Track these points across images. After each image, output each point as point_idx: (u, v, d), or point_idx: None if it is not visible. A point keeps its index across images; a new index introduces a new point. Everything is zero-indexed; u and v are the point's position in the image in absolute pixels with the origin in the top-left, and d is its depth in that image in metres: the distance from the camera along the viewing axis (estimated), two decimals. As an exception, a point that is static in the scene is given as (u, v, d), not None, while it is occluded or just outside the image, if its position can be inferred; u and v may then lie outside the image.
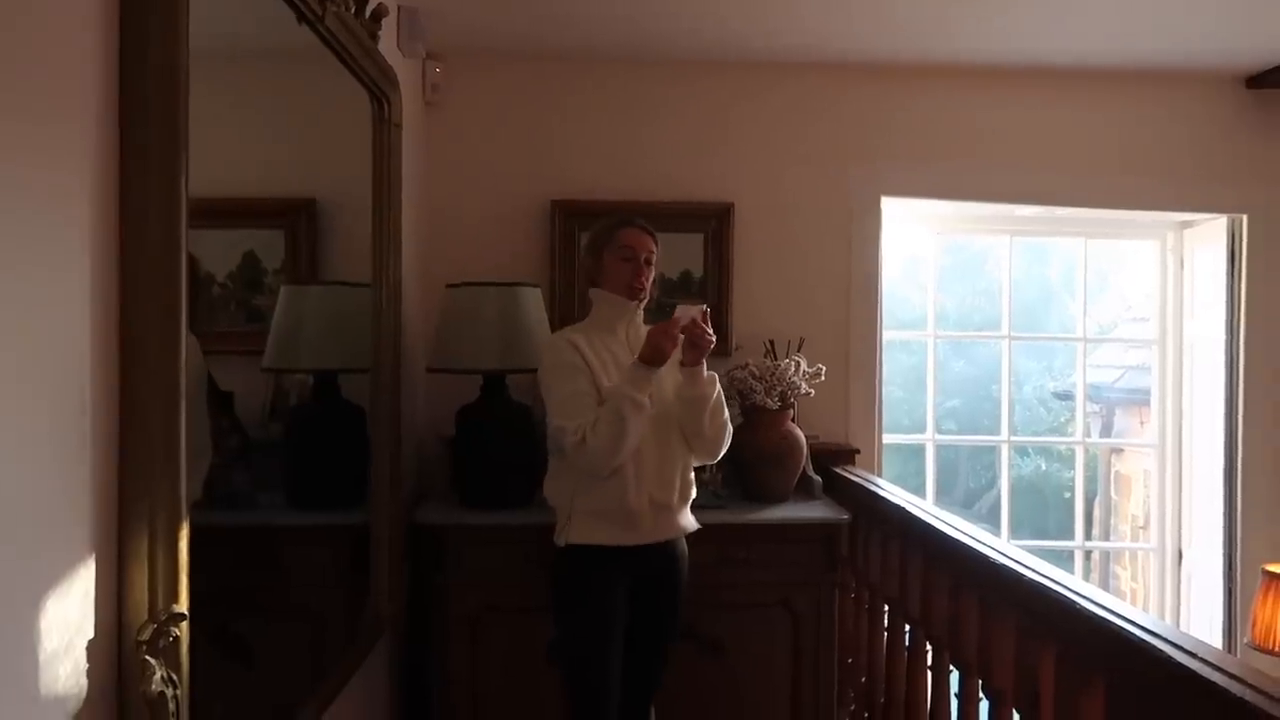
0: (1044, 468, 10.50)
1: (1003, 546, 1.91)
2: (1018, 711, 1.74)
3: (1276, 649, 2.11)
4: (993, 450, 3.86)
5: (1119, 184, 3.33)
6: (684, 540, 2.35)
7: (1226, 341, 3.36)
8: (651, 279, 2.33)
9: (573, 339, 2.26)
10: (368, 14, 2.06)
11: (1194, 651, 1.30)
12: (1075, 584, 1.61)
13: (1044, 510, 9.34)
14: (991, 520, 4.11)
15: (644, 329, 2.28)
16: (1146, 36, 2.98)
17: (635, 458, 2.21)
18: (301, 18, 1.69)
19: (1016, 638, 1.73)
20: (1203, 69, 3.23)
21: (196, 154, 1.17)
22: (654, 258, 2.32)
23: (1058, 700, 1.58)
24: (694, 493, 2.35)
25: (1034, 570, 1.69)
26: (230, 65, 1.53)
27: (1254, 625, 2.12)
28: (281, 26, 1.66)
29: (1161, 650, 1.30)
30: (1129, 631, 1.37)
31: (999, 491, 3.95)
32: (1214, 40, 3.00)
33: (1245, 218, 3.32)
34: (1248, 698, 1.17)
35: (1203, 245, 3.49)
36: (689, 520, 2.34)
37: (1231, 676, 1.25)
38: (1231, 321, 3.35)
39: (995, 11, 2.80)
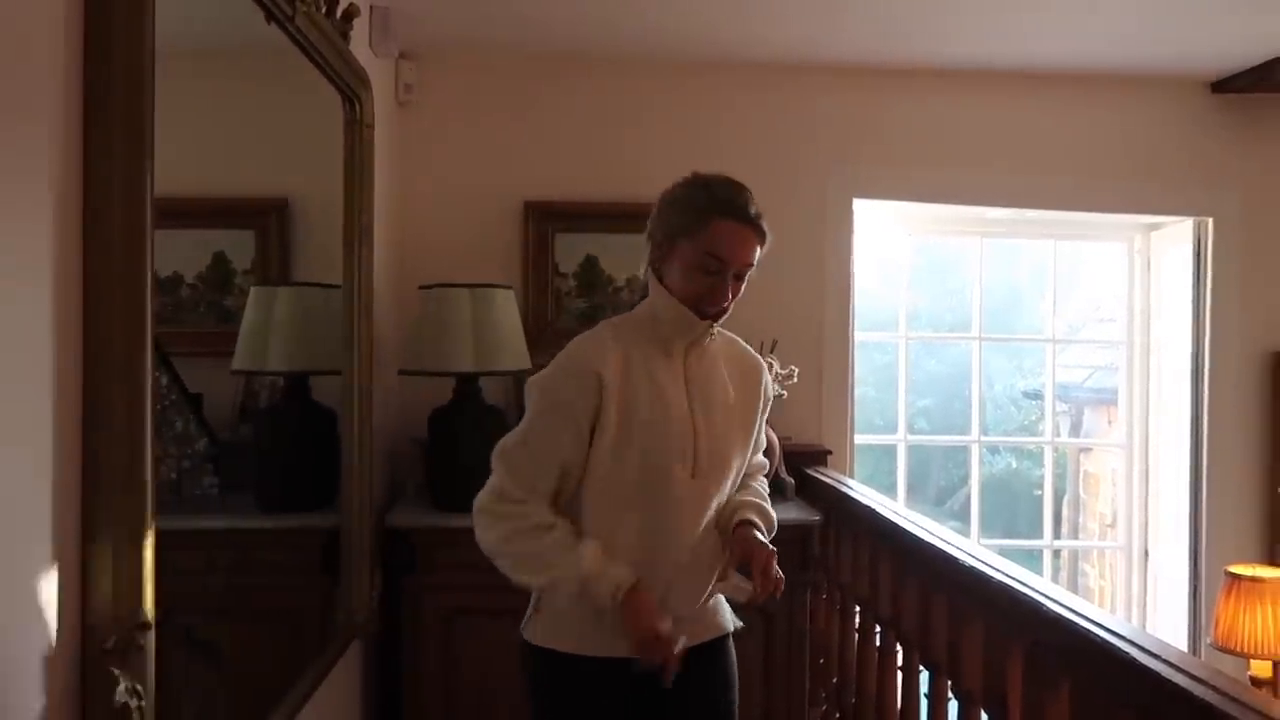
0: (1015, 466, 10.62)
1: (971, 547, 1.93)
2: (986, 711, 1.76)
3: (1238, 649, 2.15)
4: (965, 449, 3.89)
5: (1087, 187, 3.37)
6: (728, 639, 1.80)
7: (1192, 342, 3.41)
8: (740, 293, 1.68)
9: (606, 360, 1.63)
10: (339, 14, 2.05)
11: (1157, 653, 1.32)
12: (1042, 585, 1.63)
13: (1015, 508, 9.45)
14: (963, 519, 4.15)
15: (716, 358, 1.73)
16: (1114, 41, 3.02)
17: (648, 540, 1.64)
18: (270, 17, 1.68)
19: (984, 638, 1.75)
20: (1169, 73, 3.28)
21: (165, 154, 1.16)
22: (752, 270, 1.67)
23: (1025, 700, 1.60)
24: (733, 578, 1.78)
25: (1001, 571, 1.71)
26: (200, 64, 1.52)
27: (1216, 626, 2.16)
28: (251, 25, 1.65)
29: (1125, 651, 1.32)
30: (1094, 633, 1.39)
31: (976, 490, 4.00)
32: (1180, 45, 3.04)
33: (1210, 220, 3.37)
34: (1209, 699, 1.19)
35: (1169, 247, 3.54)
36: (725, 616, 1.79)
37: (1194, 678, 1.27)
38: (1197, 323, 3.40)
39: (966, 16, 2.82)
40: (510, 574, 1.65)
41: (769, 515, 1.77)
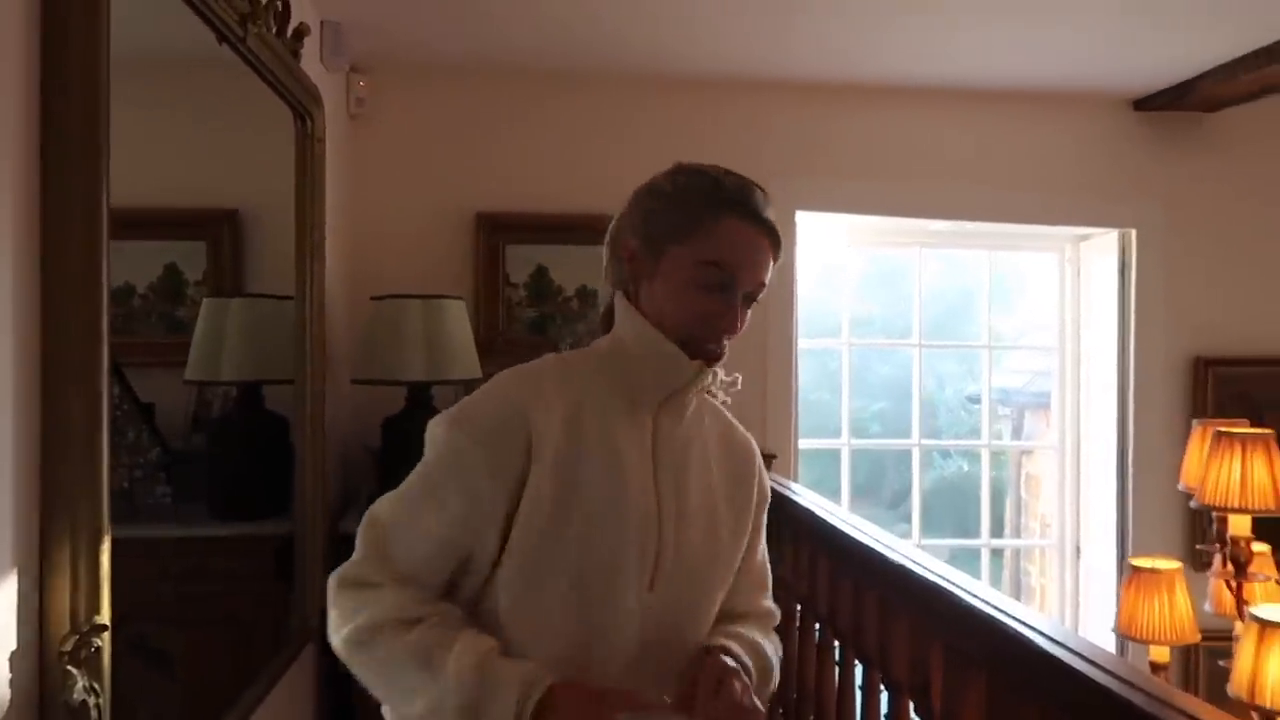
0: (966, 469, 10.83)
1: (901, 546, 2.02)
2: (912, 700, 1.86)
3: (1136, 636, 2.30)
4: (921, 452, 4.02)
5: (1019, 199, 3.52)
6: None
7: (1118, 348, 3.56)
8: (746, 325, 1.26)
9: (546, 407, 1.20)
10: (289, 33, 2.10)
11: (1062, 640, 1.41)
12: (961, 579, 1.73)
13: (966, 510, 9.63)
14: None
15: (698, 429, 1.31)
16: (1043, 61, 3.16)
17: (578, 671, 1.18)
18: (222, 38, 1.73)
19: (910, 631, 1.85)
20: (1094, 92, 3.44)
21: (118, 166, 1.20)
22: (764, 290, 1.26)
23: (945, 687, 1.70)
24: None
25: (923, 567, 1.81)
26: (152, 78, 1.56)
27: (1119, 615, 2.30)
28: (204, 43, 1.70)
29: (1030, 639, 1.42)
30: (1001, 621, 1.49)
31: (917, 492, 4.13)
32: (1104, 66, 3.20)
33: (1134, 232, 3.53)
34: (1100, 679, 1.29)
35: (1096, 257, 3.70)
36: None
37: (1095, 664, 1.36)
38: (1122, 329, 3.56)
39: (904, 35, 2.95)
40: (380, 699, 1.21)
41: (762, 656, 1.32)
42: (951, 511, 9.13)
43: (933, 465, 10.06)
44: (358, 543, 1.22)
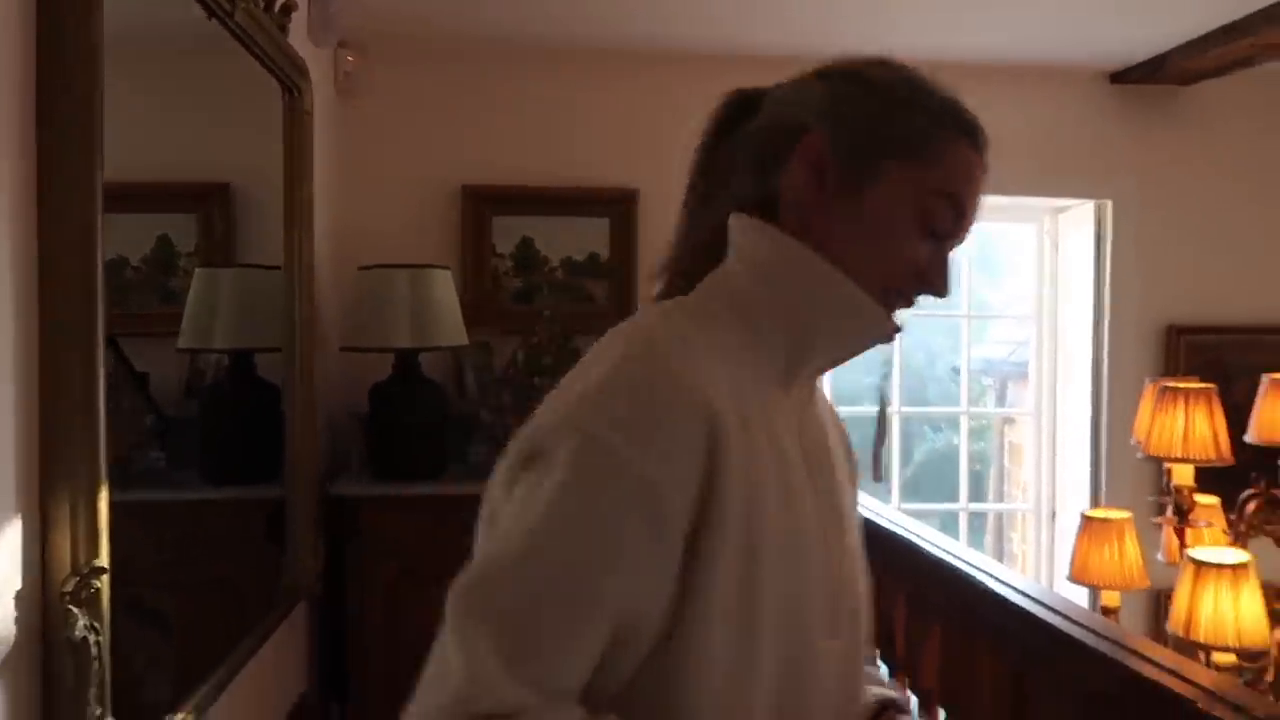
0: (955, 442, 10.93)
1: (869, 504, 2.11)
2: (879, 649, 1.95)
3: (1088, 582, 2.41)
4: (912, 424, 4.11)
5: (997, 171, 3.49)
6: None
7: (1093, 318, 3.64)
8: None
9: (721, 395, 0.80)
10: (277, 8, 2.15)
11: (1007, 580, 1.50)
12: (920, 529, 1.82)
13: (956, 481, 9.75)
14: (908, 492, 4.39)
15: (818, 407, 0.99)
16: (1021, 35, 3.21)
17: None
18: (210, 14, 1.77)
19: (878, 584, 1.94)
20: (1072, 65, 3.49)
21: (109, 140, 1.24)
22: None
23: (908, 632, 1.79)
24: None
25: (888, 520, 1.90)
26: (143, 55, 1.61)
27: (1072, 563, 2.41)
28: (193, 19, 1.74)
29: (979, 580, 1.51)
30: (955, 566, 1.57)
31: (896, 456, 4.23)
32: (1081, 39, 3.25)
33: (1110, 203, 3.60)
34: (1043, 616, 1.38)
35: (1074, 229, 3.77)
36: None
37: (1044, 605, 1.45)
38: (1098, 298, 3.63)
39: (880, 10, 3.00)
40: None
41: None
42: (943, 483, 9.24)
43: (924, 439, 10.18)
44: (462, 649, 0.78)
